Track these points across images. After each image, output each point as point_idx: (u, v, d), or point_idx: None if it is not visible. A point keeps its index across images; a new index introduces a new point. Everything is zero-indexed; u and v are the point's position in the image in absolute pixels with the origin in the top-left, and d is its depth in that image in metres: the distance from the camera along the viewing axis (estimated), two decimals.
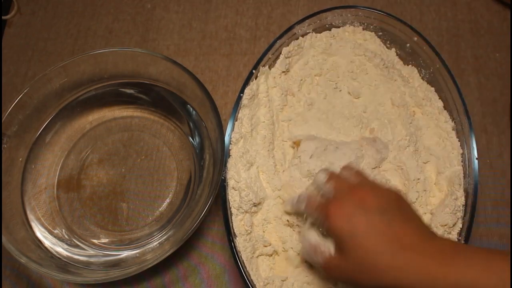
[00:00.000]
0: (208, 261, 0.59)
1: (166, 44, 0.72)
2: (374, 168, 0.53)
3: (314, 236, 0.45)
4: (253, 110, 0.56)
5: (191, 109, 0.62)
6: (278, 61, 0.58)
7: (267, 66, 0.58)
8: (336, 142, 0.54)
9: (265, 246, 0.52)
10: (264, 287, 0.49)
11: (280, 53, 0.59)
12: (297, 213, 0.51)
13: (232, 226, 0.51)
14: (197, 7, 0.75)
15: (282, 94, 0.58)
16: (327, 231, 0.43)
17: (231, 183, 0.52)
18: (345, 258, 0.41)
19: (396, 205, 0.42)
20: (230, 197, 0.52)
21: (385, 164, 0.54)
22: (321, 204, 0.44)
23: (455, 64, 0.67)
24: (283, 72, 0.59)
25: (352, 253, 0.40)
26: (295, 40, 0.59)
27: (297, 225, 0.52)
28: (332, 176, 0.46)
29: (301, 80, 0.59)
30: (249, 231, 0.51)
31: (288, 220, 0.52)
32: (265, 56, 0.57)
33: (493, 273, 0.36)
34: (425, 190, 0.53)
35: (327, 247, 0.43)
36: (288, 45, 0.59)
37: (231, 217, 0.51)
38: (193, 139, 0.62)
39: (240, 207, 0.51)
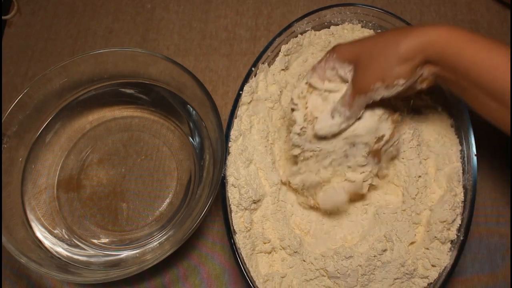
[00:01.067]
0: (208, 261, 0.59)
1: (166, 44, 0.72)
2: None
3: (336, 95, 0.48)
4: (252, 107, 0.56)
5: (191, 109, 0.62)
6: (277, 59, 0.59)
7: (266, 64, 0.58)
8: None
9: (265, 243, 0.52)
10: (263, 284, 0.50)
11: (279, 51, 0.59)
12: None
13: (232, 223, 0.51)
14: (197, 7, 0.75)
15: (281, 91, 0.58)
16: (339, 62, 0.47)
17: (230, 180, 0.52)
18: (363, 63, 0.45)
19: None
20: (229, 194, 0.52)
21: None
22: (327, 55, 0.48)
23: None
24: (282, 69, 0.59)
25: (369, 46, 0.45)
26: (294, 38, 0.60)
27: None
28: (321, 60, 0.49)
29: (299, 75, 0.59)
30: (248, 228, 0.51)
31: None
32: (264, 53, 0.57)
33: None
34: (425, 187, 0.53)
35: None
36: (287, 43, 0.59)
37: (231, 214, 0.51)
38: (193, 139, 0.62)
39: (240, 204, 0.51)
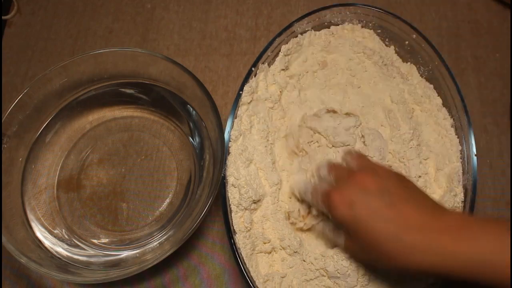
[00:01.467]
0: (208, 261, 0.59)
1: (166, 44, 0.72)
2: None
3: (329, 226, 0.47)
4: (252, 107, 0.56)
5: (191, 109, 0.62)
6: (277, 59, 0.59)
7: (266, 64, 0.58)
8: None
9: (265, 243, 0.52)
10: (264, 284, 0.50)
11: (279, 51, 0.59)
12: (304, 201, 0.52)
13: (232, 223, 0.51)
14: (197, 7, 0.75)
15: (281, 91, 0.58)
16: (334, 221, 0.44)
17: (230, 180, 0.52)
18: (356, 242, 0.42)
19: (398, 185, 0.42)
20: (229, 194, 0.52)
21: (388, 156, 0.55)
22: (324, 195, 0.44)
23: (455, 64, 0.67)
24: (282, 69, 0.59)
25: (359, 239, 0.41)
26: (294, 38, 0.60)
27: (295, 222, 0.53)
28: (332, 166, 0.46)
29: (300, 75, 0.59)
30: (248, 228, 0.51)
31: (288, 214, 0.53)
32: (265, 53, 0.57)
33: (503, 247, 0.35)
34: (425, 187, 0.53)
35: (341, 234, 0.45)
36: (287, 43, 0.59)
37: (231, 214, 0.51)
38: (193, 139, 0.62)
39: (240, 204, 0.51)
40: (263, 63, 0.58)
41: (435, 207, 0.41)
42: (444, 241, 0.37)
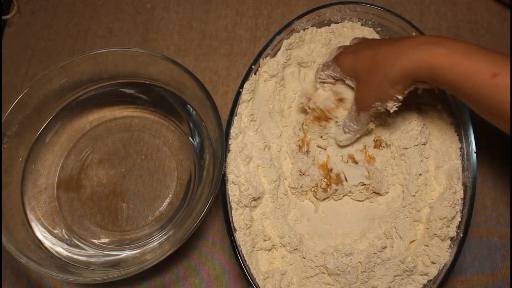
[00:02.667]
0: (208, 261, 0.59)
1: (166, 44, 0.72)
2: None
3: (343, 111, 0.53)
4: (252, 104, 0.56)
5: (191, 109, 0.62)
6: (279, 53, 0.59)
7: (268, 57, 0.58)
8: None
9: (265, 240, 0.52)
10: (264, 281, 0.50)
11: (279, 50, 0.59)
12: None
13: (232, 221, 0.51)
14: (197, 7, 0.75)
15: (280, 84, 0.59)
16: (343, 74, 0.51)
17: (230, 177, 0.52)
18: (361, 80, 0.49)
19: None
20: (230, 192, 0.52)
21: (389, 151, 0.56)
22: (334, 58, 0.52)
23: None
24: (285, 62, 0.59)
25: (364, 66, 0.47)
26: (297, 33, 0.60)
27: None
28: (340, 47, 0.54)
29: (302, 62, 0.60)
30: (248, 225, 0.51)
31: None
32: (265, 51, 0.57)
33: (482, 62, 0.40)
34: (425, 184, 0.53)
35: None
36: (288, 38, 0.59)
37: (231, 212, 0.51)
38: (193, 139, 0.62)
39: (240, 202, 0.51)
40: (263, 59, 0.58)
41: None
42: (436, 49, 0.43)
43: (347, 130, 0.53)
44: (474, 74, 0.40)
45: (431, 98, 0.57)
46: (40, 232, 0.57)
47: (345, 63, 0.50)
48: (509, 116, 0.40)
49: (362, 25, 0.62)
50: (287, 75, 0.60)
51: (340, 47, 0.54)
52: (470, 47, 0.42)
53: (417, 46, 0.44)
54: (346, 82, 0.51)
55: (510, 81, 0.39)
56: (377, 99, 0.48)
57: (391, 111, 0.48)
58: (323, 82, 0.54)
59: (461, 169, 0.52)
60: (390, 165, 0.55)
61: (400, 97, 0.47)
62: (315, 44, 0.61)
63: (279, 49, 0.59)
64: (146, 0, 0.76)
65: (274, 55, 0.59)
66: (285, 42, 0.58)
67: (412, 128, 0.55)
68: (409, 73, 0.44)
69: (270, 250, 0.53)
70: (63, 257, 0.56)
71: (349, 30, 0.62)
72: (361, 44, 0.51)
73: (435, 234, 0.49)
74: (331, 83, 0.54)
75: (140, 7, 0.76)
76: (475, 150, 0.52)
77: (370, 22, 0.62)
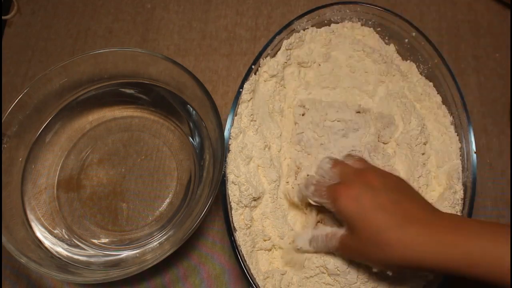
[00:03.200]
0: (208, 261, 0.59)
1: (166, 44, 0.72)
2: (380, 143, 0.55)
3: (323, 228, 0.48)
4: (252, 104, 0.56)
5: (191, 109, 0.62)
6: (279, 53, 0.59)
7: (268, 57, 0.58)
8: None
9: (265, 240, 0.52)
10: (264, 281, 0.50)
11: (279, 49, 0.59)
12: (303, 200, 0.52)
13: (232, 221, 0.51)
14: (197, 7, 0.75)
15: (279, 84, 0.58)
16: (336, 213, 0.45)
17: (230, 177, 0.52)
18: (356, 236, 0.43)
19: (401, 186, 0.44)
20: (230, 192, 0.52)
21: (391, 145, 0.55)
22: (330, 188, 0.45)
23: (455, 64, 0.67)
24: (285, 62, 0.59)
25: (362, 231, 0.42)
26: (297, 33, 0.60)
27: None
28: (336, 162, 0.48)
29: (303, 62, 0.60)
30: (248, 225, 0.51)
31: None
32: (265, 51, 0.57)
33: (500, 243, 0.37)
34: (425, 184, 0.53)
35: (339, 231, 0.46)
36: (288, 38, 0.59)
37: (231, 212, 0.51)
38: (193, 139, 0.62)
39: (240, 202, 0.51)
40: (263, 59, 0.58)
41: (434, 208, 0.43)
42: (445, 235, 0.39)
43: (312, 244, 0.49)
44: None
45: (430, 99, 0.58)
46: (40, 232, 0.57)
47: (345, 209, 0.43)
48: None
49: (362, 25, 0.62)
50: (287, 75, 0.60)
51: (333, 164, 0.47)
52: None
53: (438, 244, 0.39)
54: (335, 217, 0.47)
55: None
56: (364, 261, 0.45)
57: (374, 270, 0.45)
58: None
59: (461, 169, 0.53)
60: (390, 165, 0.55)
61: (390, 274, 0.44)
62: (315, 44, 0.61)
63: (279, 49, 0.59)
64: (146, 0, 0.76)
65: (274, 55, 0.59)
66: (285, 42, 0.59)
67: (412, 128, 0.55)
68: (411, 265, 0.40)
69: (270, 250, 0.53)
70: (63, 257, 0.56)
71: (349, 30, 0.62)
72: (361, 183, 0.44)
73: None
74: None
75: (140, 7, 0.76)
76: (475, 150, 0.52)
77: (370, 22, 0.62)
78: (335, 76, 0.60)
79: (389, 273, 0.44)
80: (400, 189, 0.44)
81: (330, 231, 0.47)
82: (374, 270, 0.46)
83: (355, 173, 0.45)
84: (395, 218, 0.41)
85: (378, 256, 0.42)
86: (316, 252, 0.49)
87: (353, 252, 0.45)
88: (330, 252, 0.49)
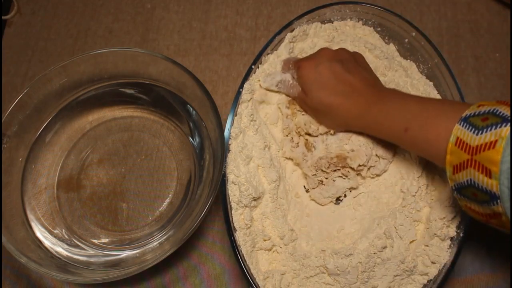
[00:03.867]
0: (208, 261, 0.59)
1: (166, 44, 0.72)
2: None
3: (288, 76, 0.56)
4: (252, 104, 0.56)
5: (191, 109, 0.62)
6: (282, 45, 0.59)
7: (269, 55, 0.58)
8: None
9: (265, 240, 0.52)
10: (264, 281, 0.50)
11: (279, 49, 0.59)
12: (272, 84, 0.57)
13: (232, 221, 0.51)
14: (197, 7, 0.75)
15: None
16: (297, 79, 0.54)
17: (230, 177, 0.52)
18: (309, 98, 0.52)
19: (354, 58, 0.53)
20: (230, 192, 0.52)
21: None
22: (295, 62, 0.55)
23: (455, 64, 0.67)
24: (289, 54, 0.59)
25: (315, 95, 0.52)
26: (300, 26, 0.59)
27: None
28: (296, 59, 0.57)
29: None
30: (249, 225, 0.51)
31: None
32: (264, 51, 0.57)
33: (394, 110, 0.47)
34: (426, 184, 0.53)
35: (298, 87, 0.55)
36: (292, 31, 0.59)
37: (231, 212, 0.51)
38: (193, 139, 0.62)
39: (240, 202, 0.51)
40: (264, 57, 0.58)
41: (377, 82, 0.53)
42: (370, 103, 0.49)
43: (280, 86, 0.57)
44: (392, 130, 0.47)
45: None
46: (40, 232, 0.57)
47: (304, 75, 0.53)
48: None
49: (363, 24, 0.62)
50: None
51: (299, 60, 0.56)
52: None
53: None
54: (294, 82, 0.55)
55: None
56: (313, 117, 0.55)
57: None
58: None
59: None
60: (393, 166, 0.55)
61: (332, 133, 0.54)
62: (318, 38, 0.61)
63: (279, 47, 0.59)
64: (146, 0, 0.76)
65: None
66: (289, 35, 0.58)
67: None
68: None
69: (270, 250, 0.53)
70: (63, 257, 0.56)
71: (351, 29, 0.62)
72: (320, 56, 0.53)
73: (435, 234, 0.49)
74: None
75: (140, 7, 0.76)
76: None
77: (370, 22, 0.62)
78: None
79: (332, 132, 0.54)
80: (352, 60, 0.52)
81: (292, 82, 0.55)
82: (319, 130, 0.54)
83: (318, 51, 0.54)
84: (342, 87, 0.50)
85: (324, 117, 0.53)
86: (278, 92, 0.57)
87: (306, 107, 0.54)
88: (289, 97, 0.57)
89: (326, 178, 0.55)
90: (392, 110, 0.47)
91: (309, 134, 0.55)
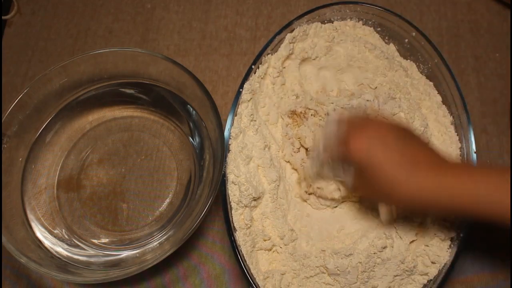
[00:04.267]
0: (208, 261, 0.59)
1: (166, 44, 0.72)
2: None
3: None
4: (252, 104, 0.56)
5: (191, 109, 0.62)
6: (282, 46, 0.58)
7: (269, 55, 0.58)
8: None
9: (265, 240, 0.52)
10: (264, 281, 0.50)
11: (278, 49, 0.59)
12: (320, 171, 0.52)
13: (232, 221, 0.51)
14: (197, 7, 0.75)
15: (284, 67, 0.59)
16: (348, 164, 0.47)
17: (230, 177, 0.52)
18: (368, 183, 0.45)
19: (408, 134, 0.46)
20: (230, 192, 0.52)
21: None
22: (341, 140, 0.46)
23: (455, 64, 0.67)
24: (287, 56, 0.59)
25: (373, 180, 0.43)
26: (300, 27, 0.59)
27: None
28: (342, 118, 0.49)
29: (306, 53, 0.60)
30: (248, 225, 0.51)
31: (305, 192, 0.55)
32: (264, 51, 0.57)
33: (506, 185, 0.38)
34: None
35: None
36: (292, 31, 0.59)
37: (231, 212, 0.51)
38: (193, 139, 0.62)
39: (240, 202, 0.51)
40: (264, 57, 0.58)
41: (441, 155, 0.44)
42: (451, 180, 0.40)
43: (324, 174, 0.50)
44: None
45: (430, 99, 0.58)
46: (40, 232, 0.57)
47: (355, 155, 0.44)
48: None
49: (363, 24, 0.62)
50: (287, 72, 0.60)
51: (340, 117, 0.48)
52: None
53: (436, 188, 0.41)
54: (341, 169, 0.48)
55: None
56: (377, 198, 0.48)
57: (382, 219, 0.48)
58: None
59: None
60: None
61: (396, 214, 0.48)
62: (319, 39, 0.61)
63: (279, 48, 0.59)
64: (146, 0, 0.76)
65: (274, 54, 0.59)
66: (289, 35, 0.58)
67: (415, 128, 0.55)
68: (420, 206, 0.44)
69: (270, 249, 0.53)
70: (63, 257, 0.56)
71: (351, 29, 0.62)
72: (371, 133, 0.45)
73: (435, 234, 0.49)
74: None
75: (140, 7, 0.76)
76: (475, 150, 0.52)
77: (370, 22, 0.62)
78: (337, 69, 0.60)
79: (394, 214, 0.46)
80: (407, 136, 0.45)
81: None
82: (382, 214, 0.47)
83: (363, 125, 0.46)
84: (404, 166, 0.42)
85: (389, 202, 0.45)
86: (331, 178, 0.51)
87: (366, 194, 0.48)
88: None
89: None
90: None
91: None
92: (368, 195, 0.48)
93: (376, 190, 0.44)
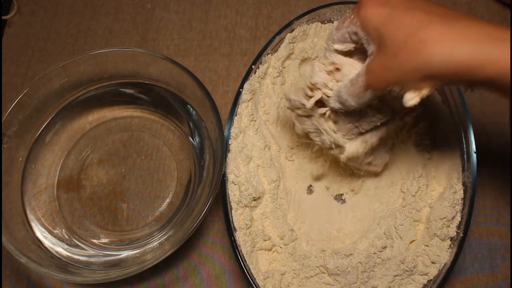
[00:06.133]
0: (208, 261, 0.59)
1: (166, 44, 0.72)
2: None
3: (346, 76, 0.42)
4: (252, 104, 0.56)
5: (191, 109, 0.62)
6: (282, 46, 0.58)
7: (269, 55, 0.58)
8: None
9: (265, 240, 0.52)
10: (264, 281, 0.50)
11: (278, 50, 0.59)
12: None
13: (232, 221, 0.51)
14: (197, 7, 0.75)
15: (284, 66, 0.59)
16: (362, 31, 0.40)
17: (230, 177, 0.52)
18: (385, 49, 0.38)
19: None
20: (230, 192, 0.52)
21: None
22: (351, 12, 0.40)
23: None
24: (287, 56, 0.59)
25: (394, 36, 0.37)
26: (300, 27, 0.59)
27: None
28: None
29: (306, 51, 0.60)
30: (248, 225, 0.51)
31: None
32: (264, 51, 0.57)
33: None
34: (425, 184, 0.53)
35: (362, 67, 0.40)
36: (292, 31, 0.59)
37: (231, 212, 0.51)
38: (193, 139, 0.62)
39: (240, 202, 0.51)
40: (265, 56, 0.58)
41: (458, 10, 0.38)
42: (468, 33, 0.35)
43: (338, 106, 0.43)
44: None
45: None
46: (40, 232, 0.57)
47: (372, 17, 0.38)
48: None
49: None
50: (287, 72, 0.60)
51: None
52: None
53: (484, 40, 0.34)
54: (362, 42, 0.41)
55: None
56: (398, 83, 0.38)
57: (407, 104, 0.38)
58: (336, 50, 0.43)
59: (461, 169, 0.52)
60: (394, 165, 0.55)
61: (426, 93, 0.37)
62: (319, 39, 0.61)
63: (279, 48, 0.59)
64: (146, 0, 0.76)
65: (274, 54, 0.59)
66: (289, 35, 0.58)
67: (418, 128, 0.55)
68: (460, 70, 0.35)
69: (270, 250, 0.53)
70: (63, 257, 0.56)
71: None
72: None
73: (435, 234, 0.49)
74: (345, 52, 0.43)
75: (140, 7, 0.76)
76: (475, 150, 0.52)
77: None
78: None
79: (426, 92, 0.37)
80: None
81: (354, 75, 0.41)
82: (408, 97, 0.38)
83: None
84: (434, 15, 0.36)
85: (412, 63, 0.36)
86: (348, 108, 0.43)
87: (383, 72, 0.38)
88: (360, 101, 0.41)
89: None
90: None
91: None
92: (388, 74, 0.38)
93: (400, 61, 0.36)
